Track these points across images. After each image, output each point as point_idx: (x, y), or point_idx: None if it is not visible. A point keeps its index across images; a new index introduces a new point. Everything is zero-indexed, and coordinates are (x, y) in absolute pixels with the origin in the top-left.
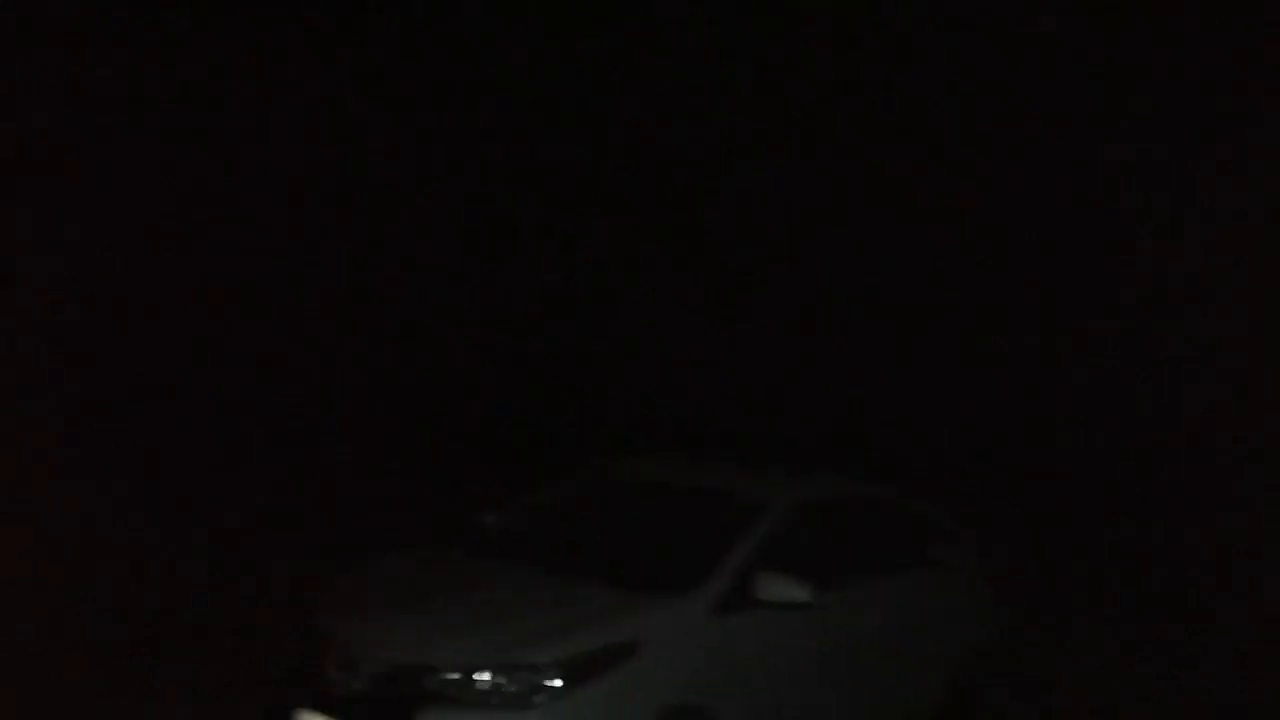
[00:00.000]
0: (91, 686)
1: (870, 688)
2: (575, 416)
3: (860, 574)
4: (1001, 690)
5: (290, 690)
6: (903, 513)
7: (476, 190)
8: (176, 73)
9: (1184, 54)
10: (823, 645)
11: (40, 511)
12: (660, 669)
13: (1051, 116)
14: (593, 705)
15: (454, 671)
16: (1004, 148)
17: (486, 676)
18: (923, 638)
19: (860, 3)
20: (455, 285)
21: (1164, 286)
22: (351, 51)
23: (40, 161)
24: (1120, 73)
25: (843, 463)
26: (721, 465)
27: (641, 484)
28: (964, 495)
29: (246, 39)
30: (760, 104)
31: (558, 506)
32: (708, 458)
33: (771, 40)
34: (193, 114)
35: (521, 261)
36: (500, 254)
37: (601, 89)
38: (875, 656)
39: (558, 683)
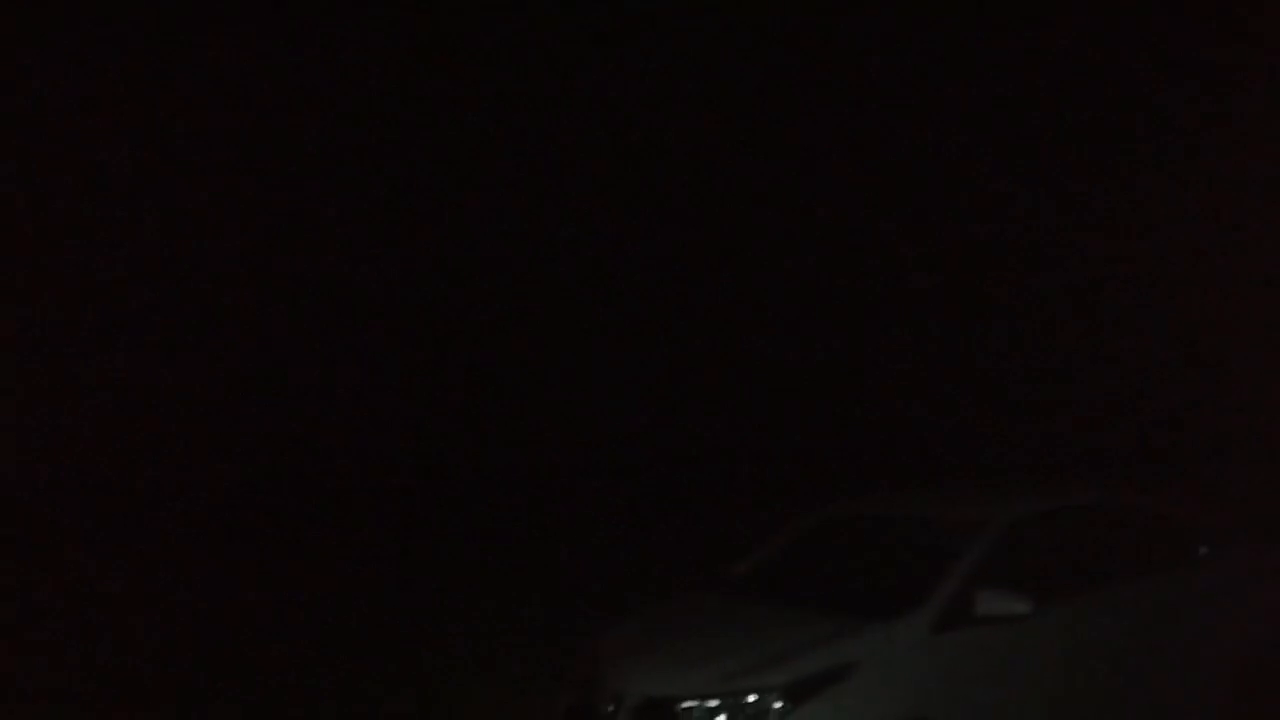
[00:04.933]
0: None
1: (1127, 693)
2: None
3: (1105, 582)
4: None
5: None
6: (1154, 515)
7: None
8: None
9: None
10: (1058, 654)
11: None
12: (878, 685)
13: None
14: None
15: (693, 700)
16: None
17: (719, 703)
18: (1186, 641)
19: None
20: None
21: None
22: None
23: None
24: None
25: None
26: (948, 490)
27: (867, 517)
28: None
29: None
30: None
31: (793, 547)
32: (939, 486)
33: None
34: None
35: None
36: None
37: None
38: (1125, 664)
39: (780, 704)
